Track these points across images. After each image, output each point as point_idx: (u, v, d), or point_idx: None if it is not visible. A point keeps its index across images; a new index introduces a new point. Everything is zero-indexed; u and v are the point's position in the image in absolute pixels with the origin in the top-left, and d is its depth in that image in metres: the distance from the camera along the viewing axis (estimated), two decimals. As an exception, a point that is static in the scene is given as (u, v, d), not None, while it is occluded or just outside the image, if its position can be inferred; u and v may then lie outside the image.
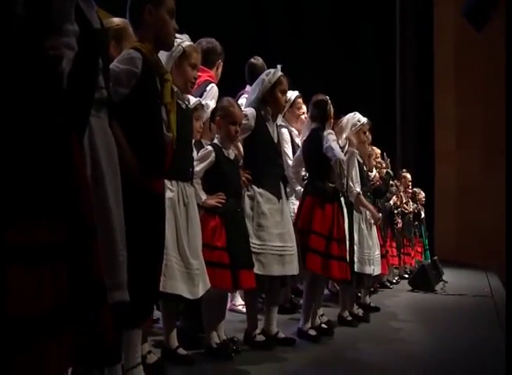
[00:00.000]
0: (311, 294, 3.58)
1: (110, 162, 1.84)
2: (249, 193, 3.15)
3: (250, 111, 3.23)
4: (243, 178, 3.12)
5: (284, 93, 3.35)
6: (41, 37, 1.37)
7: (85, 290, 1.42)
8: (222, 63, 4.08)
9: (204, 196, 2.88)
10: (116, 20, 2.59)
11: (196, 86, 3.57)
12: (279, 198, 3.24)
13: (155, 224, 2.22)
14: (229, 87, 3.97)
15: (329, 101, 3.75)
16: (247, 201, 3.14)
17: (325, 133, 3.61)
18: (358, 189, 4.10)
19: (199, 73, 3.86)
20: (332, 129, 3.95)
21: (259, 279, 3.04)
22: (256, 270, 3.03)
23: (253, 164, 3.20)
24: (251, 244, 3.05)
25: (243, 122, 3.17)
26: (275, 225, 3.16)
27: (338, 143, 3.89)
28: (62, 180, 1.37)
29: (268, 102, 3.29)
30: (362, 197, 4.14)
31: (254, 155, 3.24)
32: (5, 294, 1.18)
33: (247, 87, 4.25)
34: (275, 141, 3.34)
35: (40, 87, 1.36)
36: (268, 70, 3.37)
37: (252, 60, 4.40)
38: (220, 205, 2.91)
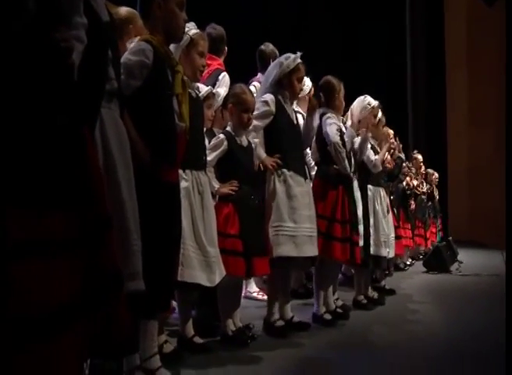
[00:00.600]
0: (320, 277, 3.59)
1: (122, 152, 1.85)
2: (279, 177, 3.15)
3: (269, 97, 3.21)
4: (272, 163, 3.11)
5: (300, 81, 3.34)
6: (51, 30, 1.36)
7: (101, 281, 1.43)
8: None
9: (217, 185, 2.88)
10: (122, 11, 2.58)
11: (207, 74, 3.57)
12: (306, 178, 3.28)
13: (170, 214, 2.22)
14: (240, 75, 3.94)
15: (333, 82, 3.70)
16: (278, 186, 3.13)
17: (324, 117, 3.61)
18: (373, 157, 4.10)
19: (208, 62, 3.84)
20: (344, 112, 3.92)
21: (293, 261, 3.09)
22: (291, 252, 3.05)
23: (278, 148, 3.19)
24: (286, 228, 3.07)
25: (265, 108, 3.16)
26: (305, 207, 3.19)
27: (350, 126, 3.87)
28: (75, 172, 1.37)
29: (284, 87, 3.28)
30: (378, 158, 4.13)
31: (277, 139, 3.22)
32: (13, 288, 1.18)
33: (259, 75, 4.21)
34: (295, 122, 3.35)
35: (52, 79, 1.35)
36: (287, 54, 3.32)
37: (262, 47, 4.35)
38: (233, 193, 2.90)
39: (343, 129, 3.76)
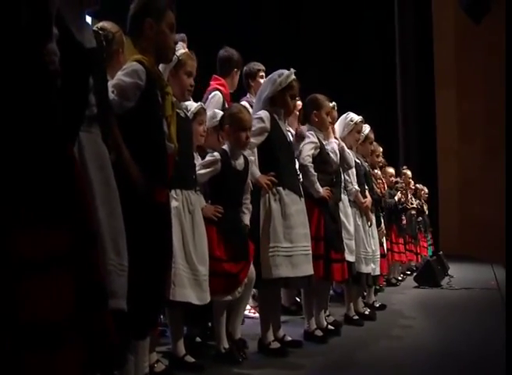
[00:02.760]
0: (310, 293, 3.55)
1: (101, 173, 1.85)
2: (275, 196, 3.12)
3: (264, 114, 3.20)
4: (267, 181, 3.08)
5: (293, 97, 3.30)
6: (41, 46, 1.39)
7: (89, 295, 1.45)
8: (238, 72, 4.07)
9: (202, 203, 2.87)
10: (111, 26, 2.60)
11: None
12: (301, 195, 3.25)
13: (160, 233, 2.22)
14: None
15: (317, 98, 3.69)
16: (273, 205, 3.09)
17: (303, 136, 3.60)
18: (356, 187, 4.11)
19: (211, 81, 3.82)
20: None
21: (290, 281, 3.07)
22: (288, 273, 3.03)
23: (273, 166, 3.16)
24: (281, 248, 3.04)
25: (261, 125, 3.15)
26: (300, 225, 3.17)
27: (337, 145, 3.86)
28: (65, 189, 1.39)
29: (278, 104, 3.27)
30: (359, 194, 4.14)
31: (272, 156, 3.19)
32: (20, 304, 1.22)
33: (248, 95, 4.23)
34: (288, 140, 3.35)
35: (42, 98, 1.37)
36: (281, 71, 3.31)
37: (245, 68, 4.25)
38: (215, 219, 2.85)
39: (326, 146, 3.70)
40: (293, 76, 3.29)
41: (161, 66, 2.48)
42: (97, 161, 1.84)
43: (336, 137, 3.91)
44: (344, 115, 4.23)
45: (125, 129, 2.06)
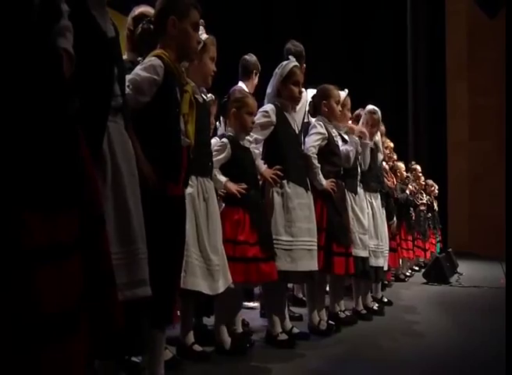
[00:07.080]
0: (311, 287, 3.51)
1: (128, 164, 1.86)
2: (278, 189, 3.11)
3: (269, 107, 3.20)
4: (272, 175, 3.07)
5: (297, 84, 3.27)
6: (51, 27, 1.39)
7: (96, 283, 1.45)
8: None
9: (223, 179, 2.84)
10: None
11: None
12: (307, 189, 3.23)
13: (174, 227, 2.19)
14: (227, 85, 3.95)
15: (326, 88, 3.65)
16: (276, 197, 3.09)
17: (311, 125, 3.57)
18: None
19: None
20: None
21: (290, 275, 3.05)
22: (287, 267, 3.02)
23: (279, 159, 3.15)
24: (281, 242, 3.04)
25: (266, 119, 3.13)
26: (305, 219, 3.14)
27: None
28: (72, 171, 1.38)
29: (283, 95, 3.26)
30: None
31: (279, 149, 3.18)
32: (37, 295, 1.21)
33: (240, 83, 4.18)
34: (297, 132, 3.33)
35: (47, 77, 1.35)
36: (281, 63, 3.32)
37: (245, 56, 4.22)
38: (239, 195, 2.85)
39: (336, 137, 3.65)
40: (293, 64, 3.28)
41: None
42: (123, 151, 1.84)
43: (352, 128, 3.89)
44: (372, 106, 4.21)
45: (140, 124, 2.04)
